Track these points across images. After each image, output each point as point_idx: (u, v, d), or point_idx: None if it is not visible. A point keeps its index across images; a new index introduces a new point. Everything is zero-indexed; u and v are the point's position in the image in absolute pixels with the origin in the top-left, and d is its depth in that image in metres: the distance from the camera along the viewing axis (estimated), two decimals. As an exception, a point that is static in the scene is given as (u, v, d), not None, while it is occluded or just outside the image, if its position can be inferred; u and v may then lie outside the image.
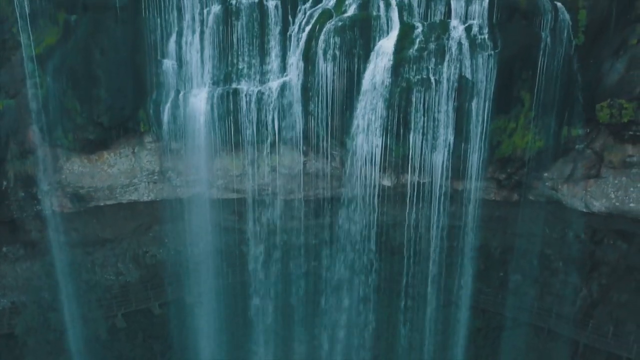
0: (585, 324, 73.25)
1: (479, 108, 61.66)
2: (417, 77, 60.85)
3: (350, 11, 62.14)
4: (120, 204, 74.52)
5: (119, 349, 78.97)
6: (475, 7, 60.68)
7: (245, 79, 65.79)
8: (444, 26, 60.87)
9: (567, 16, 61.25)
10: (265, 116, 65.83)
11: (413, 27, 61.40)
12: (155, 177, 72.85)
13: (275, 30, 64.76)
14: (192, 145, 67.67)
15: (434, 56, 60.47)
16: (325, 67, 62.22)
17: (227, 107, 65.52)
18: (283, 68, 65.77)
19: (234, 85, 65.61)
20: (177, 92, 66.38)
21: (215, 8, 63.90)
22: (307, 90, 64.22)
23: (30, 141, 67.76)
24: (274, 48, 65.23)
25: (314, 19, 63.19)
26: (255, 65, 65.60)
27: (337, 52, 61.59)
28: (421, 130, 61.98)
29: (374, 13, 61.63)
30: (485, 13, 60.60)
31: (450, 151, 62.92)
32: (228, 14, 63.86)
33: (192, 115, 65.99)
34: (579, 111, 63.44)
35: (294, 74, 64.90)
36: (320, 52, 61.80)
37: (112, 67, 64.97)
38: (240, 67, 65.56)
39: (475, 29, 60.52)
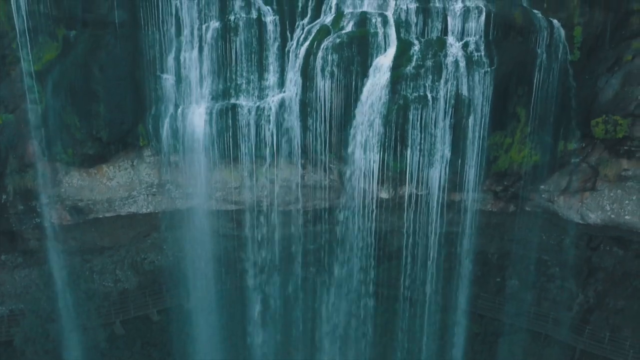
0: (582, 329, 75.35)
1: (476, 124, 63.96)
2: (414, 94, 63.00)
3: (348, 28, 63.87)
4: (119, 216, 76.16)
5: (117, 356, 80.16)
6: (471, 25, 62.83)
7: (244, 94, 67.57)
8: (441, 43, 62.94)
9: (563, 33, 63.45)
10: (264, 131, 67.56)
11: (410, 44, 63.43)
12: (154, 190, 74.65)
13: (273, 46, 66.60)
14: (191, 158, 69.38)
15: (430, 73, 62.55)
16: (323, 84, 64.20)
17: (225, 122, 67.24)
18: (281, 83, 67.58)
19: (232, 101, 67.47)
20: (176, 107, 67.99)
21: (214, 24, 65.55)
22: (306, 105, 66.19)
23: (30, 155, 69.34)
24: (273, 64, 66.95)
25: (312, 35, 64.95)
26: (254, 81, 67.34)
27: (335, 69, 63.61)
28: (418, 147, 64.02)
29: (372, 30, 63.40)
30: (482, 30, 62.74)
31: (447, 166, 65.08)
32: (227, 30, 65.43)
33: (191, 130, 67.65)
34: (574, 126, 65.87)
35: (292, 90, 66.80)
36: (318, 69, 63.67)
37: (111, 82, 66.53)
38: (239, 82, 67.26)
39: (471, 46, 62.74)
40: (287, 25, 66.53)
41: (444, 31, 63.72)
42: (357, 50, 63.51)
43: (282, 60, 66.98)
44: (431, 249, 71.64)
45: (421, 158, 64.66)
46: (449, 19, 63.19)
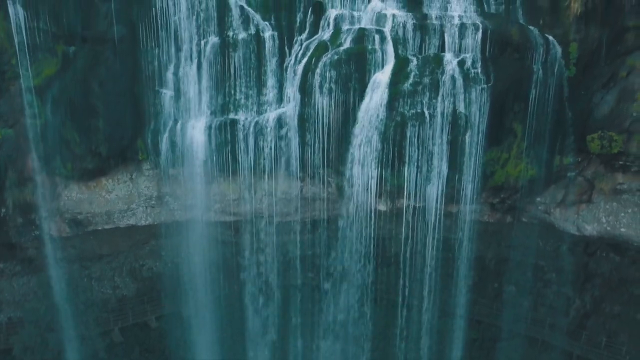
0: (579, 335, 77.63)
1: (473, 140, 66.18)
2: (412, 111, 65.32)
3: (346, 44, 65.85)
4: (118, 228, 78.37)
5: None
6: (468, 41, 64.97)
7: (243, 109, 69.81)
8: (438, 60, 65.10)
9: (559, 49, 65.66)
10: (263, 146, 69.79)
11: (408, 61, 65.51)
12: (153, 202, 76.72)
13: (272, 62, 68.80)
14: (190, 172, 71.56)
15: (428, 90, 64.83)
16: (321, 100, 66.34)
17: (224, 136, 69.43)
18: (280, 99, 69.91)
19: (231, 116, 69.73)
20: (175, 121, 70.16)
21: (213, 39, 67.64)
22: (304, 121, 68.21)
23: (29, 169, 71.23)
24: (271, 79, 69.14)
25: (310, 51, 67.08)
26: (253, 96, 69.59)
27: (333, 85, 65.82)
28: (416, 163, 66.52)
29: (369, 46, 65.53)
30: (479, 47, 64.93)
31: (445, 182, 67.39)
32: (225, 46, 67.59)
33: (190, 144, 69.80)
34: (570, 141, 68.13)
35: (291, 105, 69.00)
36: (316, 85, 65.72)
37: (111, 98, 68.66)
38: (237, 97, 69.47)
39: (468, 63, 64.86)
40: (285, 40, 68.49)
41: (441, 47, 65.79)
42: (355, 67, 65.58)
43: (280, 76, 69.08)
44: (428, 256, 73.59)
45: (419, 174, 66.92)
46: (445, 35, 65.21)
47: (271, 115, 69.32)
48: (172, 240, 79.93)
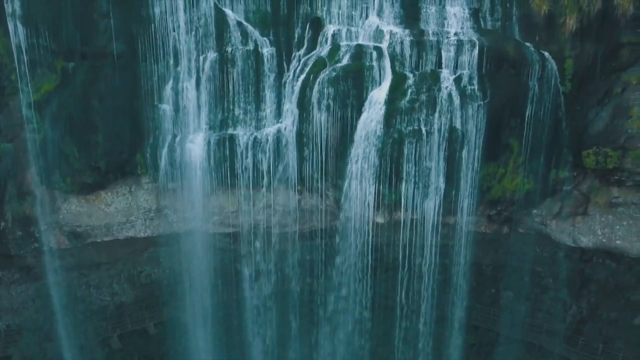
0: (575, 340, 79.70)
1: (469, 156, 68.39)
2: (409, 128, 67.54)
3: (344, 60, 67.91)
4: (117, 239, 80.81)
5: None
6: (465, 58, 67.07)
7: (241, 124, 71.81)
8: (435, 76, 67.26)
9: (555, 65, 67.77)
10: (261, 161, 72.23)
11: (405, 77, 67.63)
12: (152, 215, 79.16)
13: (270, 77, 70.69)
14: (189, 185, 73.63)
15: (425, 107, 66.96)
16: (319, 116, 68.45)
17: (223, 151, 71.50)
18: (278, 114, 71.93)
19: (230, 131, 71.72)
20: (174, 136, 72.07)
21: (211, 55, 69.49)
22: (302, 136, 70.41)
23: (28, 183, 73.43)
24: (269, 95, 71.15)
25: (308, 67, 69.18)
26: (251, 111, 71.63)
27: (331, 102, 67.84)
28: (413, 179, 68.93)
29: (367, 63, 67.62)
30: (475, 63, 66.92)
31: (442, 196, 69.85)
32: (224, 61, 69.47)
33: (188, 159, 71.91)
34: (566, 156, 70.59)
35: (289, 121, 71.08)
36: (314, 101, 67.98)
37: (110, 113, 70.69)
38: (236, 113, 71.50)
39: (465, 79, 66.99)
40: (283, 56, 70.51)
41: (438, 64, 67.73)
42: (353, 84, 67.68)
43: (278, 91, 71.10)
44: (425, 263, 76.02)
45: (416, 189, 69.34)
46: (442, 51, 67.21)
47: (270, 130, 71.48)
48: (171, 248, 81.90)
